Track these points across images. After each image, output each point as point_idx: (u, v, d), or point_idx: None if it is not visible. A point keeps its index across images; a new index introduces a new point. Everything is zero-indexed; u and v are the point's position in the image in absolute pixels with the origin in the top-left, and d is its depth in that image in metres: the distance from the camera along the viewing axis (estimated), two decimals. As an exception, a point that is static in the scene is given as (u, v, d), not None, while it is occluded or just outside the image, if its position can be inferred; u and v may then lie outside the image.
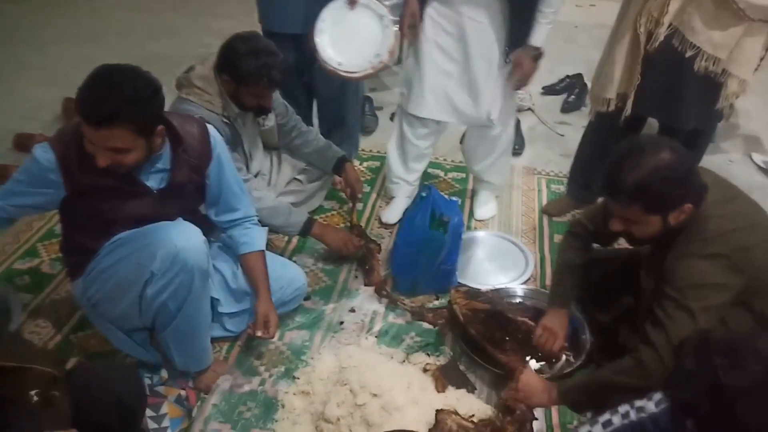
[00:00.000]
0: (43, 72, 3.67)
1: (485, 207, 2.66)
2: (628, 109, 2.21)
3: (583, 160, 2.58)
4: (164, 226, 1.65)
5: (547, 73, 3.50)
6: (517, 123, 3.24)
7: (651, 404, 1.26)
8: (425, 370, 1.89)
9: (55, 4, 4.61)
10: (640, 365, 1.48)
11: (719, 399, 0.85)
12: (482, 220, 2.63)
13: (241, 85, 2.04)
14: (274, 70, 2.03)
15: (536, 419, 1.66)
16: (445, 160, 3.02)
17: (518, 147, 3.11)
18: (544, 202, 2.76)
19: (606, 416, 1.31)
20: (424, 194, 2.15)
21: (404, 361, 1.94)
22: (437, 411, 1.64)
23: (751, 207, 1.59)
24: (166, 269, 1.61)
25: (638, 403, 1.28)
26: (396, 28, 2.19)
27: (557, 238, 2.52)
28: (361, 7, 2.17)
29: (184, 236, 1.63)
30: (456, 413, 1.65)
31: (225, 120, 2.08)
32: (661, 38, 2.06)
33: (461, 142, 2.75)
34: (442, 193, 2.62)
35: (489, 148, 2.51)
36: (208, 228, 1.91)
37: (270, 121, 2.38)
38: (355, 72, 2.20)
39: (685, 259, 1.49)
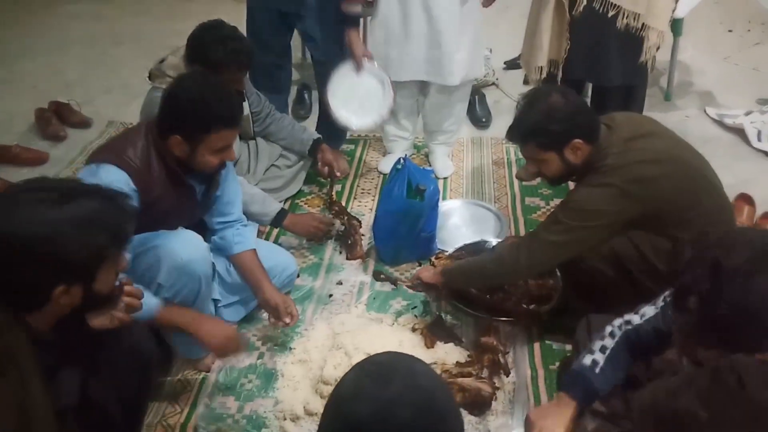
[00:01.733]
0: (10, 85, 3.68)
1: (444, 164, 2.83)
2: (560, 74, 2.36)
3: None
4: (167, 237, 1.69)
5: (509, 47, 3.62)
6: (483, 96, 3.36)
7: (636, 318, 1.42)
8: (414, 329, 1.99)
9: (16, 21, 4.60)
10: (512, 261, 1.76)
11: (719, 277, 0.98)
12: (446, 177, 2.80)
13: (213, 72, 2.10)
14: (242, 54, 2.11)
15: (507, 352, 1.85)
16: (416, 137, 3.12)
17: (485, 120, 3.22)
18: (515, 169, 2.87)
19: (598, 343, 1.43)
20: (399, 166, 2.24)
21: (393, 323, 2.04)
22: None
23: (666, 142, 1.76)
24: (173, 281, 1.68)
25: (626, 317, 1.44)
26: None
27: (528, 200, 2.65)
28: (365, 72, 2.51)
29: (188, 248, 1.71)
30: (437, 363, 1.78)
31: None
32: (585, 2, 2.21)
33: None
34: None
35: (450, 105, 2.68)
36: (203, 230, 1.98)
37: (244, 110, 2.46)
38: (363, 126, 2.63)
39: (579, 187, 1.72)
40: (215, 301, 2.00)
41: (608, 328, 1.44)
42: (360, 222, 2.40)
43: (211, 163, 1.71)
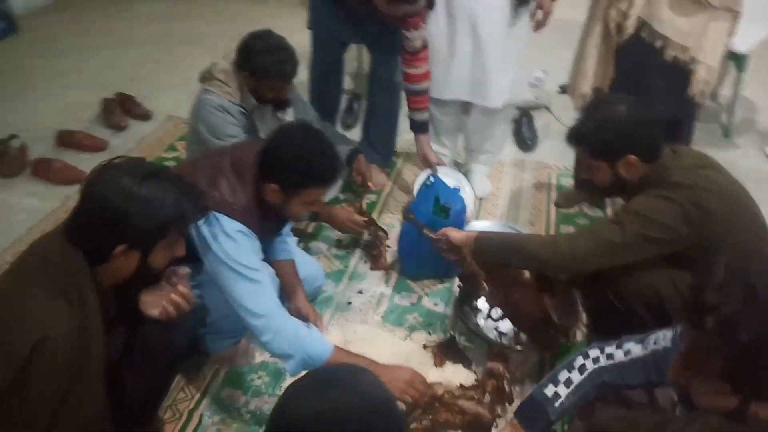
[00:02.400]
0: (82, 75, 3.91)
1: (482, 184, 2.80)
2: None
3: None
4: None
5: (565, 71, 3.57)
6: (531, 119, 3.33)
7: (620, 353, 1.34)
8: (425, 347, 2.00)
9: (95, 17, 4.89)
10: (554, 245, 1.67)
11: (749, 302, 0.90)
12: (482, 198, 2.77)
13: (259, 80, 2.21)
14: (287, 64, 2.19)
15: (514, 380, 1.80)
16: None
17: (531, 143, 3.19)
18: (554, 195, 2.83)
19: (564, 374, 1.36)
20: (428, 182, 2.26)
21: (406, 338, 2.06)
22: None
23: (724, 179, 1.67)
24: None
25: (607, 349, 1.36)
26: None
27: (563, 228, 2.60)
28: (441, 174, 2.48)
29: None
30: (441, 384, 1.77)
31: (242, 110, 2.25)
32: (630, 30, 2.16)
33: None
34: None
35: (491, 126, 2.67)
36: None
37: (288, 116, 2.54)
38: None
39: (642, 195, 1.62)
40: None
41: (579, 360, 1.36)
42: (386, 233, 2.42)
43: (301, 214, 1.80)
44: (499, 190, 2.86)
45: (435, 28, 2.48)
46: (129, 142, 3.21)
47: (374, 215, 2.66)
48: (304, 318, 1.95)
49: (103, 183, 1.23)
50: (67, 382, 1.19)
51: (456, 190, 2.30)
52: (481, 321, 2.04)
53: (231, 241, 1.64)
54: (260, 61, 2.16)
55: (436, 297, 2.24)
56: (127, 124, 3.32)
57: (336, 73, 2.89)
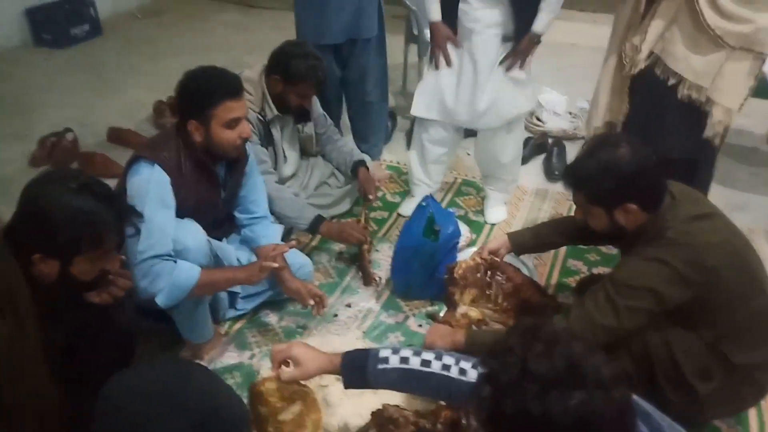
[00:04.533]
0: (151, 78, 4.21)
1: (496, 210, 2.79)
2: None
3: None
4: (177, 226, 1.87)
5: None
6: (563, 149, 3.26)
7: (455, 368, 1.29)
8: (396, 366, 2.00)
9: (168, 24, 5.25)
10: None
11: (520, 378, 0.89)
12: (495, 224, 2.75)
13: (289, 84, 2.33)
14: (320, 71, 2.34)
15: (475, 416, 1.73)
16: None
17: (558, 173, 3.11)
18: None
19: (407, 351, 1.33)
20: (423, 204, 2.27)
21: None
22: (384, 404, 1.75)
23: (726, 228, 1.60)
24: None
25: (457, 360, 1.30)
26: None
27: (571, 262, 2.53)
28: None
29: (187, 236, 1.86)
30: (398, 406, 1.75)
31: (260, 118, 2.37)
32: (641, 66, 2.07)
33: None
34: (470, 210, 2.76)
35: (500, 148, 2.65)
36: (230, 224, 2.21)
37: (309, 129, 2.65)
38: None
39: (633, 257, 1.56)
40: (235, 293, 2.20)
41: (430, 354, 1.30)
42: (371, 248, 2.44)
43: (228, 137, 1.87)
44: (515, 218, 2.82)
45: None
46: (173, 142, 3.41)
47: (382, 231, 2.70)
48: (297, 293, 2.06)
49: (36, 189, 1.29)
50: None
51: (450, 214, 2.30)
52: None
53: (139, 184, 1.78)
54: (293, 65, 2.30)
55: (423, 319, 2.24)
56: (175, 126, 3.53)
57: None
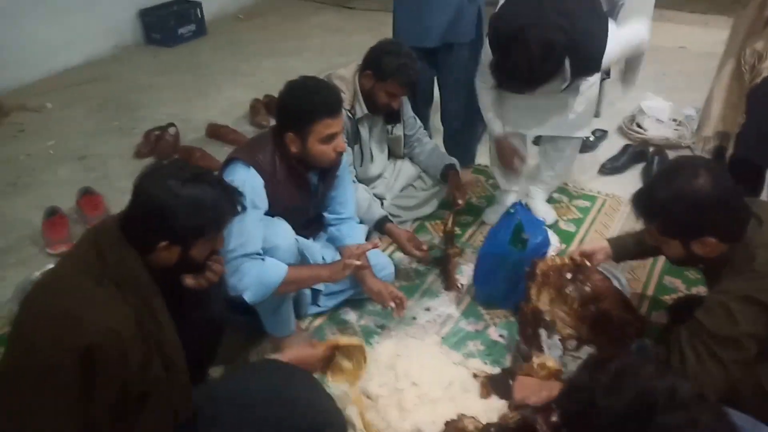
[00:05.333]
0: (249, 78, 4.36)
1: (542, 208, 2.71)
2: (729, 149, 2.04)
3: None
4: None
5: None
6: (665, 158, 3.06)
7: None
8: (475, 375, 1.95)
9: (268, 25, 5.42)
10: None
11: (586, 412, 0.85)
12: (550, 225, 2.65)
13: (379, 81, 2.34)
14: (411, 70, 2.32)
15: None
16: (573, 187, 2.98)
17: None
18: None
19: None
20: (512, 210, 2.20)
21: (460, 363, 2.02)
22: (460, 414, 1.70)
23: None
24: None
25: None
26: None
27: (668, 279, 2.37)
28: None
29: (277, 235, 1.91)
30: (476, 420, 1.69)
31: (349, 116, 2.38)
32: (765, 74, 1.89)
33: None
34: (561, 219, 2.67)
35: (561, 151, 2.60)
36: (318, 224, 2.25)
37: (398, 130, 2.64)
38: None
39: (723, 297, 1.41)
40: (318, 290, 2.22)
41: None
42: (459, 253, 2.39)
43: (323, 152, 1.91)
44: (608, 229, 2.68)
45: None
46: (266, 139, 3.52)
47: (466, 236, 2.65)
48: (377, 294, 2.07)
49: (153, 182, 1.34)
50: (136, 374, 1.27)
51: (541, 223, 2.21)
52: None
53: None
54: (387, 62, 2.30)
55: (504, 329, 2.17)
56: (269, 123, 3.63)
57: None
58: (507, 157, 2.51)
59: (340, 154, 1.96)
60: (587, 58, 2.08)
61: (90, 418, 1.26)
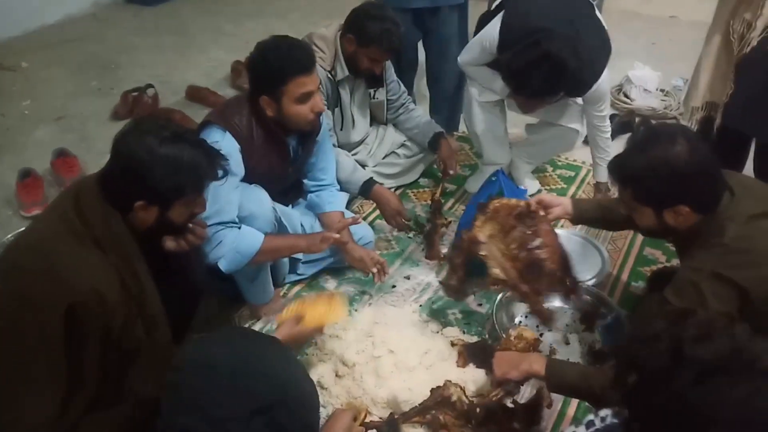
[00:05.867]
0: (233, 38, 4.26)
1: (528, 179, 2.73)
2: (717, 119, 2.02)
3: None
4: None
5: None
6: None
7: (597, 419, 1.19)
8: (452, 344, 1.95)
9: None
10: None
11: (673, 363, 0.82)
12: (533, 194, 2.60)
13: (361, 46, 2.27)
14: (394, 36, 2.24)
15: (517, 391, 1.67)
16: (557, 156, 2.95)
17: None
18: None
19: (589, 417, 1.28)
20: (493, 178, 2.17)
21: (439, 332, 2.02)
22: (447, 381, 1.70)
23: None
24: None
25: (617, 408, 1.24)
26: None
27: (648, 251, 2.37)
28: None
29: (253, 203, 1.87)
30: (462, 389, 1.68)
31: (329, 77, 2.32)
32: (754, 43, 1.86)
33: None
34: (544, 188, 2.64)
35: (549, 134, 2.64)
36: (297, 191, 2.21)
37: (381, 95, 2.58)
38: None
39: (694, 276, 1.40)
40: (297, 258, 2.19)
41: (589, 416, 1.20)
42: (447, 224, 2.37)
43: (300, 113, 1.84)
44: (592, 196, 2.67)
45: None
46: (249, 103, 3.45)
47: (447, 204, 2.63)
48: (359, 261, 2.04)
49: (131, 139, 1.30)
50: (119, 334, 1.28)
51: (522, 191, 2.19)
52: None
53: None
54: (369, 26, 2.23)
55: (483, 298, 2.16)
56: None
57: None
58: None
59: (318, 114, 1.89)
60: (582, 84, 2.19)
61: (77, 378, 1.26)
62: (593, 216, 1.90)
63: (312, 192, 2.20)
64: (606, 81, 2.28)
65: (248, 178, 1.89)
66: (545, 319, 1.78)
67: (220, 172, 1.43)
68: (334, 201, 2.19)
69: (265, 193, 1.93)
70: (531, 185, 2.69)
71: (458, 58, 2.50)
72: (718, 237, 1.38)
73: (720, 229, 1.38)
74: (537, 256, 1.72)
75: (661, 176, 1.37)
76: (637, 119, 3.11)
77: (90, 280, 1.24)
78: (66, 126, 3.19)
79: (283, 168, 2.03)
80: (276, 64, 1.79)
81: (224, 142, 1.80)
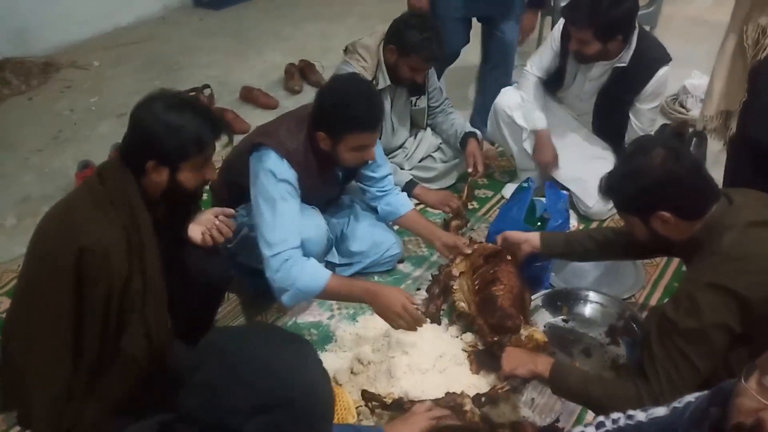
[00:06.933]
0: (289, 41, 4.38)
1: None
2: (732, 129, 1.93)
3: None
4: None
5: None
6: (705, 140, 2.89)
7: (643, 415, 1.19)
8: (464, 350, 1.94)
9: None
10: (639, 399, 1.38)
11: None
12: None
13: (402, 56, 2.30)
14: (435, 45, 2.27)
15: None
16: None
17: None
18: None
19: (599, 419, 1.27)
20: (525, 185, 2.13)
21: (458, 336, 2.01)
22: (464, 392, 1.67)
23: None
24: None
25: (630, 412, 1.22)
26: None
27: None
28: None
29: (310, 228, 1.93)
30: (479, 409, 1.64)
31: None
32: None
33: None
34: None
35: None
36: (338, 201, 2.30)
37: (422, 102, 2.61)
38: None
39: (691, 287, 1.37)
40: (332, 263, 2.24)
41: (600, 418, 1.23)
42: (463, 224, 2.35)
43: (353, 159, 1.89)
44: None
45: None
46: (298, 104, 3.53)
47: (482, 210, 2.62)
48: (453, 248, 2.07)
49: (142, 107, 1.47)
50: (118, 285, 1.42)
51: (563, 196, 2.14)
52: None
53: (268, 174, 1.81)
54: (409, 36, 2.26)
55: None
56: (302, 89, 3.66)
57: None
58: (546, 154, 2.48)
59: (366, 162, 1.96)
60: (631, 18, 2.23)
61: (80, 336, 1.44)
62: (561, 250, 1.92)
63: (377, 199, 2.22)
64: (667, 76, 2.26)
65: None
66: (495, 356, 1.77)
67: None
68: (405, 202, 2.24)
69: (322, 218, 2.01)
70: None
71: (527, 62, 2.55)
72: (715, 246, 1.35)
73: (718, 238, 1.35)
74: (492, 293, 1.88)
75: (631, 184, 1.42)
76: (690, 130, 2.98)
77: (98, 234, 1.41)
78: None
79: (331, 191, 2.16)
80: (344, 113, 1.80)
81: (283, 169, 1.84)
